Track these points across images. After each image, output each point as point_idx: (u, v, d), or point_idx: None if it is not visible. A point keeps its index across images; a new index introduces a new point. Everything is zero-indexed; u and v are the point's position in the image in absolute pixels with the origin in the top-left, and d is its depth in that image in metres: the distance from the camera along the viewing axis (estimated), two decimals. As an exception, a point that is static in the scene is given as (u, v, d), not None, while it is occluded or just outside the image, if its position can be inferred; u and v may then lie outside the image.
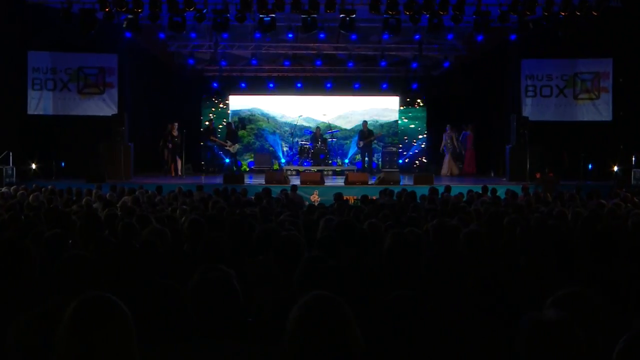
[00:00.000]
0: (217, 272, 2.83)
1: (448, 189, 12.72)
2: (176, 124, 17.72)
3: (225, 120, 21.93)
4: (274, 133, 22.43)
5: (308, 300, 2.19)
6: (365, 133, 20.15)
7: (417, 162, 22.26)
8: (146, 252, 4.21)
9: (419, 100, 22.50)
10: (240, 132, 22.01)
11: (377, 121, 22.33)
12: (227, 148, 20.03)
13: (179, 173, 17.55)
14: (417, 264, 3.81)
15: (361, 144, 20.08)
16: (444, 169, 19.68)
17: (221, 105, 22.36)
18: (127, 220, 5.70)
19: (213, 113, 22.09)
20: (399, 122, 22.59)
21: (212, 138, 20.50)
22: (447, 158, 19.72)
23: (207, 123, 21.17)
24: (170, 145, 18.31)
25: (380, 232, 5.40)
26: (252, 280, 4.05)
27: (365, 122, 20.65)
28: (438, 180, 15.95)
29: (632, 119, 17.50)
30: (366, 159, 20.47)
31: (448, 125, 19.82)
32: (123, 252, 3.95)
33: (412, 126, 22.60)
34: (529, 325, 2.18)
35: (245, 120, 22.35)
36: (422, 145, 22.38)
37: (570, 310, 2.31)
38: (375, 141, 21.06)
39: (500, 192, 12.63)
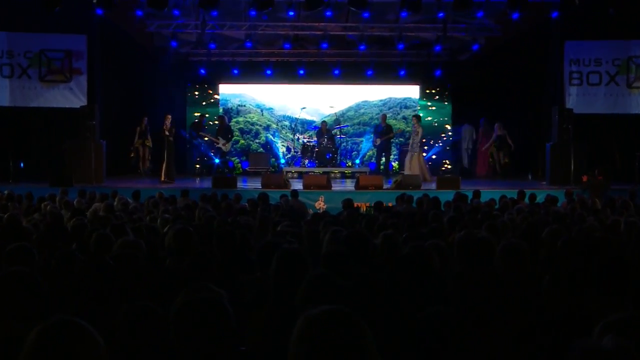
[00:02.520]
0: (206, 292, 2.85)
1: (477, 194, 12.71)
2: (170, 116, 17.63)
3: (206, 113, 22.04)
4: (267, 128, 22.48)
5: (317, 317, 2.13)
6: (384, 129, 20.11)
7: (445, 164, 22.27)
8: (121, 269, 4.23)
9: (442, 90, 22.51)
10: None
11: (397, 114, 22.38)
12: (219, 146, 20.04)
13: (165, 178, 17.30)
14: (441, 284, 3.81)
15: (378, 141, 20.04)
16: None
17: (214, 96, 22.44)
18: (99, 231, 5.72)
19: (200, 104, 22.17)
20: (419, 113, 22.60)
21: (200, 134, 20.58)
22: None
23: (195, 114, 21.24)
24: (148, 144, 18.35)
25: (397, 245, 5.40)
26: (247, 301, 4.06)
27: (384, 115, 20.67)
28: (466, 183, 15.92)
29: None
30: (382, 159, 20.42)
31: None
32: (94, 269, 3.96)
33: (435, 120, 22.64)
34: (583, 355, 2.17)
35: (231, 112, 22.39)
36: (446, 143, 22.40)
37: (626, 336, 2.31)
38: (395, 138, 21.10)
39: (539, 198, 12.58)
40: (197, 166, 20.94)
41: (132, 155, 19.46)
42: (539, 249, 5.79)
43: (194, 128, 20.88)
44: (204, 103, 22.54)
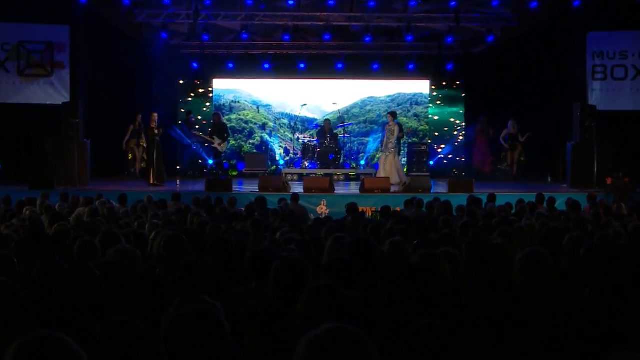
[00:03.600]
0: (199, 305, 2.85)
1: (492, 198, 12.71)
2: (156, 114, 17.56)
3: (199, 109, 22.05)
4: (263, 127, 22.47)
5: (320, 335, 2.14)
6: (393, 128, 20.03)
7: (458, 162, 22.28)
8: (107, 279, 4.23)
9: (454, 85, 22.51)
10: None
11: (407, 111, 22.39)
12: (214, 146, 20.00)
13: (154, 180, 17.21)
14: (454, 295, 3.81)
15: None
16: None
17: (208, 92, 22.46)
18: (83, 238, 5.72)
19: (193, 101, 22.18)
20: (429, 111, 22.62)
21: (194, 132, 20.57)
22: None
23: (182, 111, 21.24)
24: (142, 144, 18.32)
25: (405, 253, 5.40)
26: (243, 314, 4.06)
27: (393, 113, 20.56)
28: (480, 186, 15.91)
29: None
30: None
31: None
32: (77, 279, 3.97)
33: (446, 118, 22.63)
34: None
35: (223, 109, 22.39)
36: (459, 142, 22.41)
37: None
38: (405, 138, 21.09)
39: (560, 203, 12.57)
40: (189, 172, 20.90)
41: (129, 157, 19.42)
42: (559, 257, 5.78)
43: (184, 126, 20.88)
44: (196, 99, 22.51)
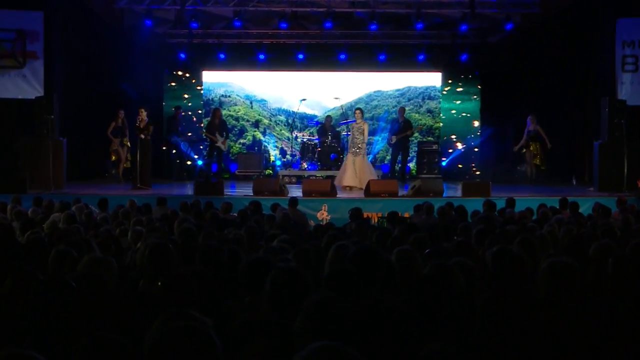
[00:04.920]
0: (187, 321, 2.85)
1: (511, 202, 12.72)
2: (144, 111, 17.39)
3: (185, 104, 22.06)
4: (257, 124, 22.46)
5: (312, 354, 2.16)
6: (400, 124, 20.08)
7: (472, 165, 22.30)
8: (85, 292, 4.23)
9: (469, 78, 22.52)
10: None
11: (419, 106, 22.40)
12: (218, 145, 19.84)
13: (140, 183, 17.13)
14: (469, 310, 3.81)
15: (394, 139, 20.00)
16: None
17: (197, 85, 22.46)
18: (59, 247, 5.73)
19: (180, 96, 22.18)
20: (441, 107, 22.63)
21: (205, 133, 20.52)
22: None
23: (173, 109, 21.27)
24: (127, 144, 18.33)
25: (415, 263, 5.41)
26: (236, 331, 4.07)
27: (402, 108, 20.61)
28: (497, 190, 15.91)
29: None
30: (398, 162, 20.36)
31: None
32: (53, 292, 3.97)
33: (460, 113, 22.63)
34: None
35: (212, 104, 22.38)
36: (474, 140, 22.43)
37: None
38: (419, 136, 21.11)
39: (586, 208, 12.57)
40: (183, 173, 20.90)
41: (113, 158, 19.35)
42: (585, 268, 5.78)
43: (171, 124, 20.89)
44: (184, 93, 22.49)
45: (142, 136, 16.88)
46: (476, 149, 22.41)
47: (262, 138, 22.48)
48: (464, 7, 19.64)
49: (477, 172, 21.95)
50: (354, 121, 20.29)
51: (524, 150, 19.54)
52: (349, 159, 17.88)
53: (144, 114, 17.07)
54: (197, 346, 2.71)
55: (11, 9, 18.00)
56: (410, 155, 21.43)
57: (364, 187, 16.40)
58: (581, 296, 4.67)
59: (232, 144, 22.24)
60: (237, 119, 22.57)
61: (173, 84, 22.57)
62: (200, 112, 22.63)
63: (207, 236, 7.67)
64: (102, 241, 6.83)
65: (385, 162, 21.63)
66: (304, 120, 22.48)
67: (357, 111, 18.27)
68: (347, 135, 21.20)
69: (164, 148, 21.14)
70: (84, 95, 19.96)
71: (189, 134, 21.17)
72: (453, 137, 22.55)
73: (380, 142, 22.08)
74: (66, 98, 18.02)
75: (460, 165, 22.22)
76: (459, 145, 22.43)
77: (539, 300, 4.49)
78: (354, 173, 17.54)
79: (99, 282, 4.51)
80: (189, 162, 21.36)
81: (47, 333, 3.69)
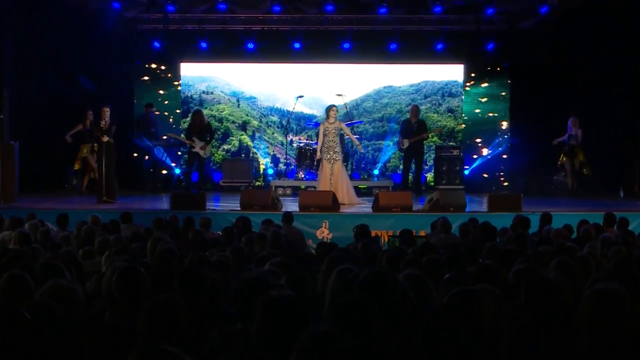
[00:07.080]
0: (164, 356, 2.85)
1: (547, 218, 12.69)
2: (107, 109, 17.29)
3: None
4: (244, 126, 22.44)
5: None
6: (414, 126, 20.07)
7: (500, 174, 22.32)
8: (43, 326, 4.23)
9: (496, 71, 22.56)
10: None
11: (438, 105, 22.42)
12: (195, 150, 19.70)
13: (105, 196, 17.01)
14: (495, 345, 3.81)
15: (406, 143, 20.00)
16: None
17: (174, 80, 22.49)
18: (11, 271, 5.72)
19: (154, 91, 22.21)
20: (463, 105, 22.63)
21: (169, 134, 20.54)
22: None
23: (146, 109, 21.30)
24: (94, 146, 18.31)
25: (431, 291, 5.41)
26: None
27: (415, 106, 20.57)
28: (530, 204, 15.91)
29: None
30: (411, 172, 20.36)
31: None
32: (3, 325, 3.97)
33: (485, 113, 22.66)
34: None
35: (190, 103, 22.39)
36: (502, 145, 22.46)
37: None
38: (439, 140, 21.14)
39: (636, 224, 12.57)
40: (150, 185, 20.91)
41: (76, 166, 19.28)
42: (636, 296, 5.78)
43: (142, 124, 20.87)
44: (158, 88, 22.44)
45: (105, 139, 16.77)
46: (505, 156, 22.37)
47: (250, 143, 22.44)
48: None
49: (506, 183, 21.92)
50: (362, 122, 20.32)
51: (564, 158, 19.56)
52: (323, 166, 17.46)
53: (107, 113, 16.98)
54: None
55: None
56: (428, 162, 21.45)
57: (345, 203, 16.48)
58: (631, 330, 4.67)
59: (214, 150, 22.07)
60: (220, 120, 22.39)
61: (146, 78, 22.49)
62: (177, 111, 22.52)
63: (186, 258, 7.66)
64: (64, 265, 6.82)
65: (398, 171, 21.60)
66: (301, 122, 22.48)
67: (333, 108, 17.88)
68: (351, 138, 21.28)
69: (135, 155, 21.16)
70: (40, 92, 19.97)
71: (164, 137, 21.05)
72: (477, 141, 22.49)
73: (391, 148, 22.00)
74: (19, 95, 18.02)
75: (485, 175, 22.19)
76: (485, 151, 22.39)
77: (580, 335, 4.50)
78: (329, 185, 17.12)
79: (59, 314, 4.51)
80: (164, 171, 21.33)
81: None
